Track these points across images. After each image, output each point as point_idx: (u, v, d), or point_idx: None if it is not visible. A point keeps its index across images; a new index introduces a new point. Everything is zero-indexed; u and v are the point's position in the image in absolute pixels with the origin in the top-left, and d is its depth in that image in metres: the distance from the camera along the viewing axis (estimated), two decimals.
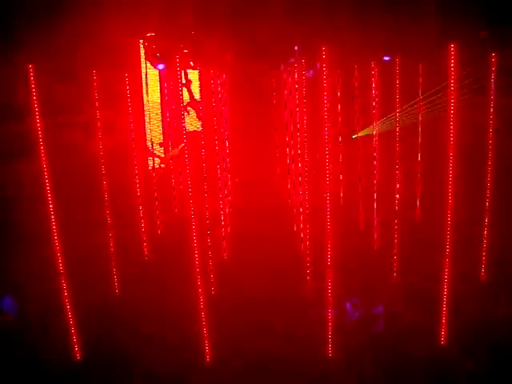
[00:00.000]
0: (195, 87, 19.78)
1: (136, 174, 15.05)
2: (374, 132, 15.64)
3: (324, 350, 10.40)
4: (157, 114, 19.47)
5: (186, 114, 19.50)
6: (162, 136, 19.57)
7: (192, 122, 19.70)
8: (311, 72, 15.48)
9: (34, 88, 9.47)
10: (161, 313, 12.10)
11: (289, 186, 18.40)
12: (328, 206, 10.35)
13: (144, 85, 18.92)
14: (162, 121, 19.58)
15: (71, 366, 10.27)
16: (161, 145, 19.64)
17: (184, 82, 19.67)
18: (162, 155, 19.58)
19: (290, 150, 17.65)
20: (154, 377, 9.97)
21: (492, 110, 12.43)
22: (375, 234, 15.40)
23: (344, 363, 10.17)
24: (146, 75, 18.88)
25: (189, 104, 20.16)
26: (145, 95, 18.97)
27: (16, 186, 13.49)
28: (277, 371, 10.02)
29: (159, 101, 19.46)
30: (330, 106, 10.38)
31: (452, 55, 9.55)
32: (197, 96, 19.86)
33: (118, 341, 11.01)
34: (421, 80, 16.10)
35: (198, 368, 10.20)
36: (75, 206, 13.28)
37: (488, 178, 12.83)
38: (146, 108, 19.12)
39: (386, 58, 15.58)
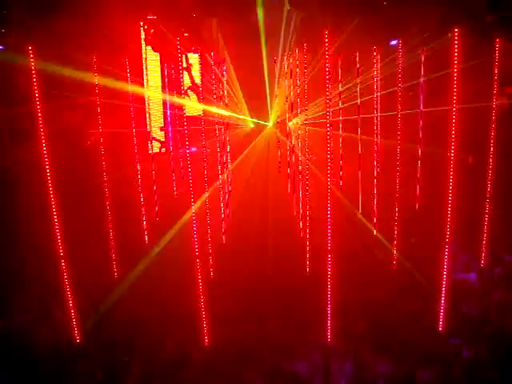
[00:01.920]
0: (196, 71, 19.63)
1: (136, 158, 15.04)
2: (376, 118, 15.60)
3: (323, 335, 10.46)
4: (157, 98, 19.35)
5: (186, 97, 19.41)
6: (162, 120, 19.46)
7: (193, 106, 19.56)
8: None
9: (33, 69, 9.41)
10: (160, 297, 12.15)
11: (289, 171, 18.34)
12: (328, 190, 10.35)
13: (144, 69, 18.79)
14: (163, 105, 19.48)
15: (71, 348, 10.33)
16: (161, 129, 19.54)
17: (185, 65, 19.51)
18: (163, 139, 19.50)
19: (290, 134, 17.59)
20: (153, 359, 10.03)
21: (496, 95, 12.32)
22: (375, 219, 15.39)
23: (343, 347, 10.25)
24: (146, 59, 18.74)
25: (190, 88, 20.02)
26: (145, 79, 18.84)
27: (16, 169, 13.46)
28: (275, 355, 10.09)
29: (160, 85, 19.34)
30: (331, 89, 10.32)
31: (456, 40, 9.45)
32: (197, 80, 19.71)
33: (118, 324, 11.07)
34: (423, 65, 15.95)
35: (196, 351, 10.26)
36: (75, 191, 13.24)
37: (490, 165, 12.77)
38: (146, 92, 19.00)
39: (393, 43, 15.39)
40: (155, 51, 18.67)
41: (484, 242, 12.95)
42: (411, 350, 9.97)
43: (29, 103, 9.74)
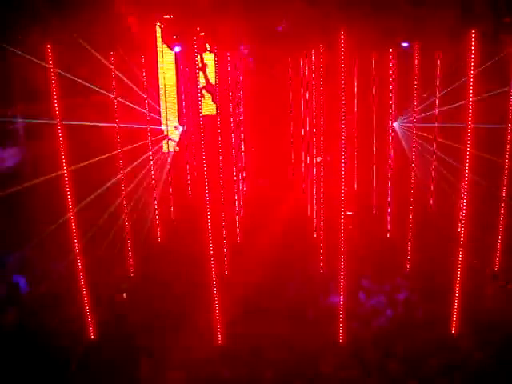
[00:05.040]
0: (211, 71, 19.69)
1: (151, 157, 15.15)
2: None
3: (335, 337, 10.45)
4: (172, 97, 19.43)
5: (201, 97, 19.46)
6: (177, 119, 19.55)
7: (207, 106, 19.61)
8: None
9: (52, 67, 9.53)
10: (174, 294, 12.21)
11: (303, 171, 18.37)
12: (343, 191, 10.35)
13: (160, 68, 18.90)
14: (178, 104, 19.57)
15: (86, 344, 10.42)
16: (176, 128, 19.63)
17: (200, 65, 19.57)
18: (177, 139, 19.60)
19: (304, 136, 17.59)
20: (165, 356, 10.09)
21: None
22: (388, 221, 15.33)
23: (353, 349, 10.23)
24: (162, 58, 18.84)
25: (204, 88, 20.08)
26: (160, 78, 18.94)
27: (34, 164, 13.58)
28: (287, 355, 10.10)
29: (175, 84, 19.43)
30: (346, 92, 10.30)
31: (473, 42, 9.41)
32: (212, 80, 19.77)
33: (132, 321, 11.16)
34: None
35: (209, 349, 10.27)
36: (91, 190, 13.37)
37: (506, 168, 12.66)
38: (161, 91, 19.09)
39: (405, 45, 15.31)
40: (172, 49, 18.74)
41: (498, 245, 12.86)
42: (422, 353, 9.93)
43: (46, 100, 9.86)
